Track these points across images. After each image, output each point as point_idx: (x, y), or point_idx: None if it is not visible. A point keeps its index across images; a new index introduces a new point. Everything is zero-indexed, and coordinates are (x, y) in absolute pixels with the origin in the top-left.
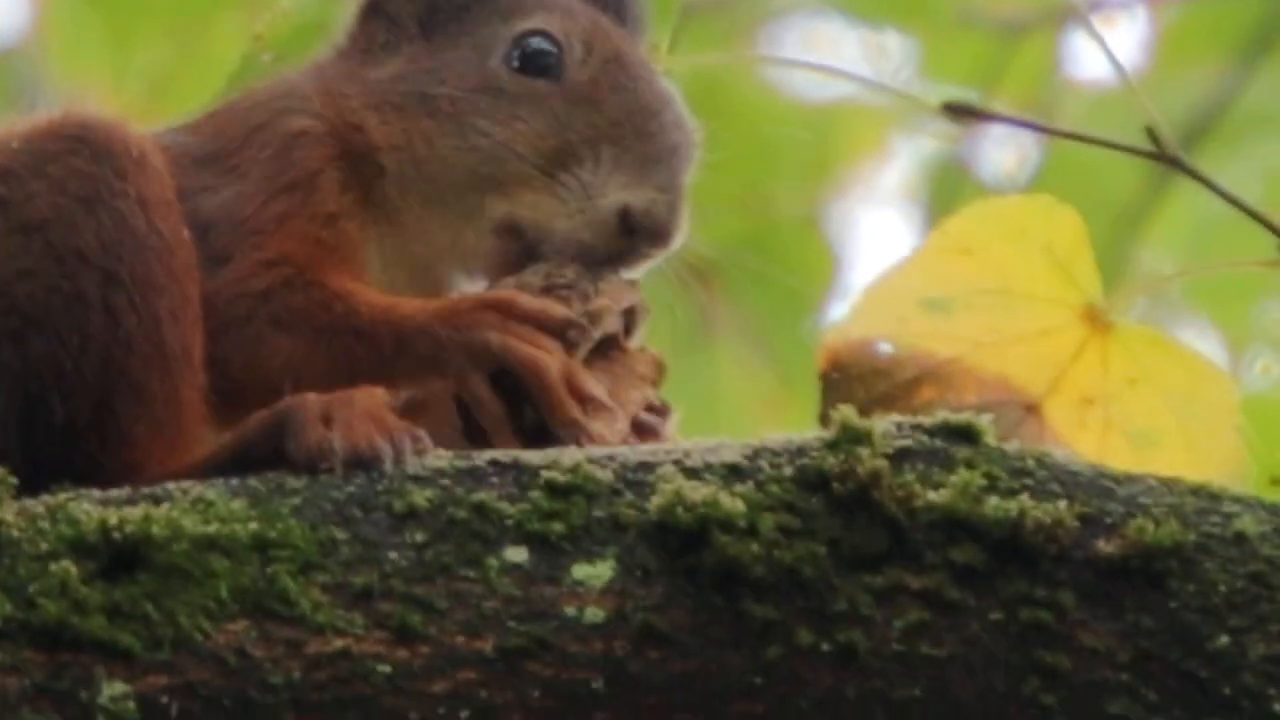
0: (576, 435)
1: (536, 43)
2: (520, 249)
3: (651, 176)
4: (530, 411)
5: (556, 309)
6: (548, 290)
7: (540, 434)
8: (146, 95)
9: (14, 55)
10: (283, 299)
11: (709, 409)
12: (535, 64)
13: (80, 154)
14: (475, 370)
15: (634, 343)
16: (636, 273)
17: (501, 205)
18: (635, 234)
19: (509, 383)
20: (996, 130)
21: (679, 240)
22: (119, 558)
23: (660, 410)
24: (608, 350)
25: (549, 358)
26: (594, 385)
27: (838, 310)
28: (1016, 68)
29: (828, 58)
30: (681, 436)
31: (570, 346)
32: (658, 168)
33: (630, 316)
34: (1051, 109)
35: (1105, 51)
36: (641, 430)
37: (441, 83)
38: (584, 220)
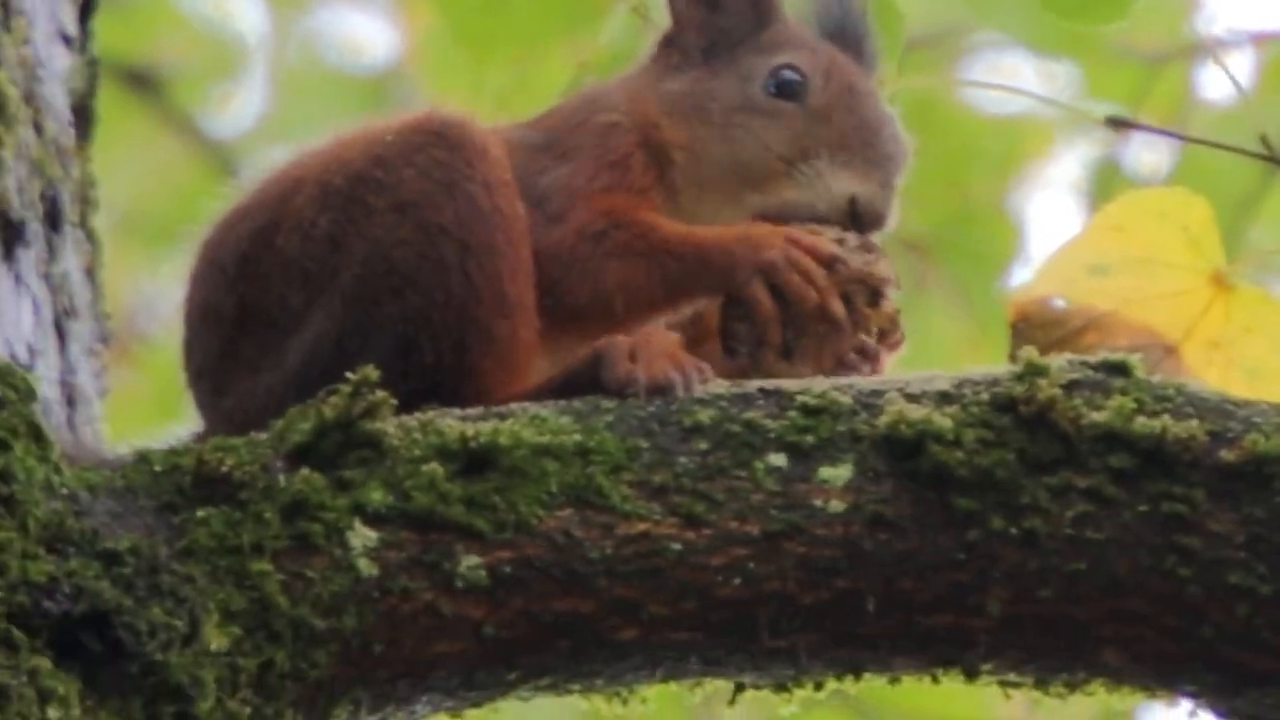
0: (822, 345)
1: (787, 74)
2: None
3: (873, 175)
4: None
5: (827, 245)
6: (839, 242)
7: (790, 352)
8: (495, 108)
9: (391, 75)
10: (613, 235)
11: (924, 349)
12: (785, 90)
13: (440, 146)
14: (758, 279)
15: (885, 308)
16: None
17: (755, 197)
18: (858, 218)
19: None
20: (1143, 137)
21: (891, 226)
22: (474, 460)
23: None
24: (861, 304)
25: (816, 282)
26: (839, 308)
27: (1023, 275)
28: (1159, 89)
29: (1012, 81)
30: (904, 369)
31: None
32: (877, 170)
33: (883, 285)
34: (1185, 121)
35: (1228, 76)
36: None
37: (715, 100)
38: (819, 198)
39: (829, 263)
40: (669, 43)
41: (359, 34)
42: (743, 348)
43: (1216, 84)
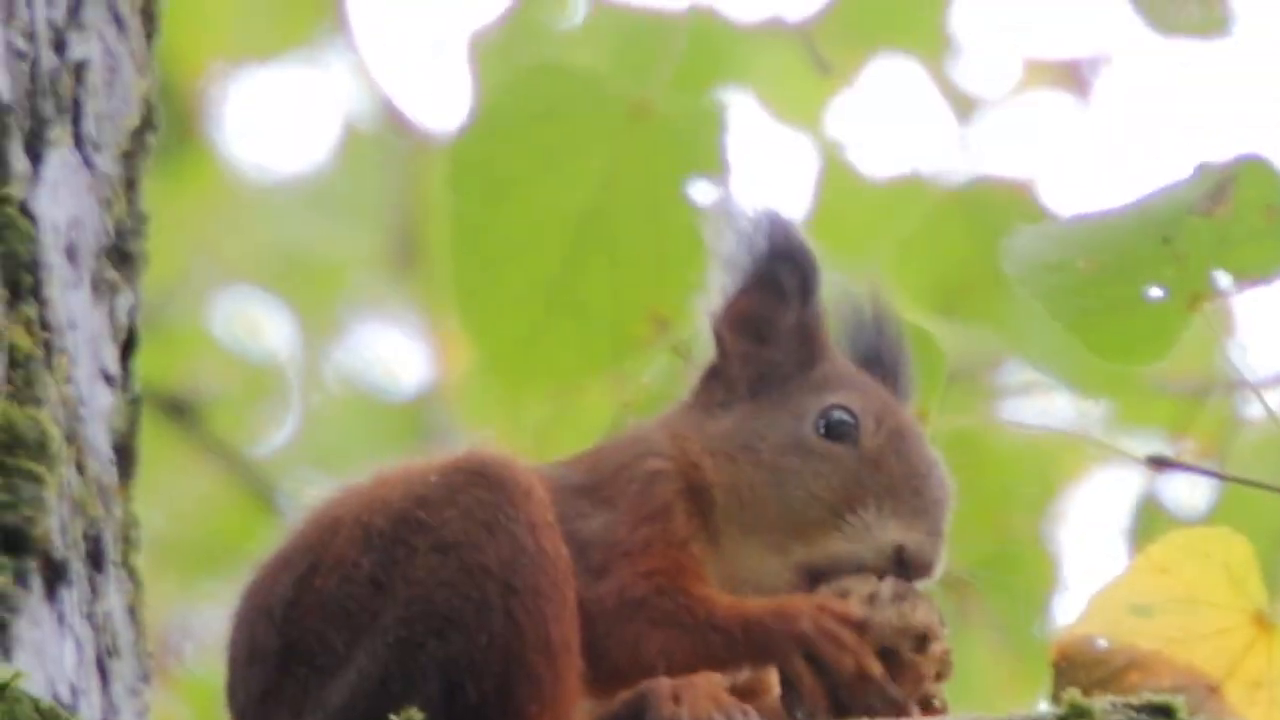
0: (877, 705)
1: (838, 415)
2: (812, 579)
3: (921, 523)
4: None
5: (856, 609)
6: (869, 598)
7: (847, 711)
8: (533, 442)
9: (425, 400)
10: (657, 604)
11: (964, 683)
12: (837, 432)
13: (482, 486)
14: (796, 653)
15: (934, 650)
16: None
17: (801, 548)
18: (906, 566)
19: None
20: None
21: (939, 572)
22: None
23: (938, 710)
24: (907, 652)
25: (849, 649)
26: (876, 668)
27: (1063, 611)
28: (1197, 423)
29: (1047, 412)
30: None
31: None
32: (925, 517)
33: (928, 632)
34: (1225, 454)
35: (1269, 411)
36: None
37: (763, 439)
38: (865, 549)
39: (860, 626)
40: (713, 376)
41: (393, 358)
42: (799, 713)
43: (1255, 415)
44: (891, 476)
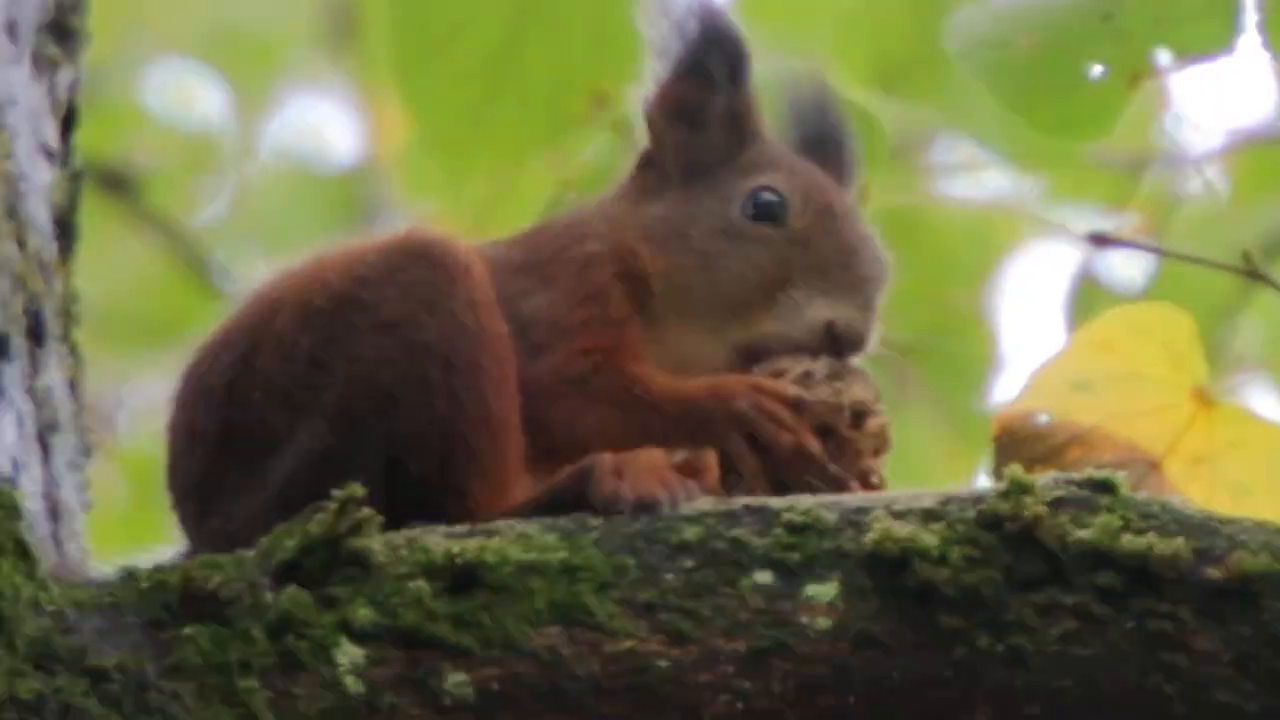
0: (816, 481)
1: (765, 196)
2: (747, 359)
3: (850, 298)
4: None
5: (791, 389)
6: (803, 376)
7: (787, 488)
8: (473, 221)
9: (359, 174)
10: (594, 381)
11: (903, 457)
12: (764, 213)
13: (422, 265)
14: (734, 432)
15: (871, 424)
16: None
17: (736, 329)
18: (837, 342)
19: (758, 443)
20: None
21: (870, 348)
22: (460, 578)
23: (876, 485)
24: (844, 429)
25: (787, 426)
26: (815, 445)
27: (1003, 387)
28: (1135, 197)
29: (985, 185)
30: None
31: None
32: (854, 292)
33: (864, 407)
34: (1164, 228)
35: (1207, 186)
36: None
37: (694, 224)
38: (796, 326)
39: (796, 405)
40: (648, 163)
41: (327, 131)
42: (739, 492)
43: (1192, 190)
44: (820, 255)
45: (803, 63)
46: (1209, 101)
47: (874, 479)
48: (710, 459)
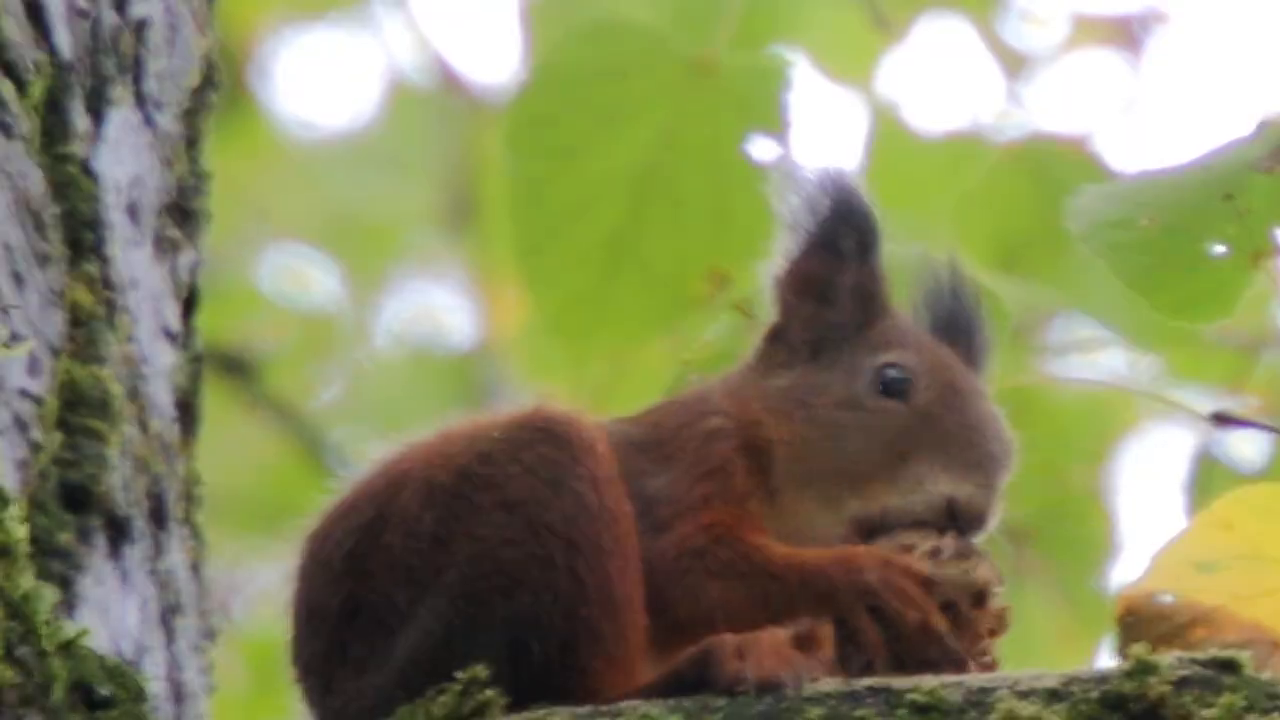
0: (935, 659)
1: (893, 373)
2: (864, 533)
3: (972, 476)
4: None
5: (921, 565)
6: (932, 552)
7: (903, 665)
8: (593, 400)
9: (475, 357)
10: (715, 553)
11: (1022, 638)
12: (890, 389)
13: (547, 442)
14: (860, 605)
15: (992, 607)
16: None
17: (855, 502)
18: (957, 519)
19: (884, 617)
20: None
21: (992, 526)
22: None
23: (990, 665)
24: (965, 608)
25: (916, 603)
26: (941, 623)
27: (1122, 570)
28: (1254, 377)
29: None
30: (1006, 663)
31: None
32: (977, 470)
33: (986, 588)
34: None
35: None
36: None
37: (820, 396)
38: (917, 500)
39: (926, 583)
40: (775, 338)
41: (443, 314)
42: (854, 667)
43: None
44: (943, 431)
45: (937, 244)
46: None
47: (987, 659)
48: (826, 631)
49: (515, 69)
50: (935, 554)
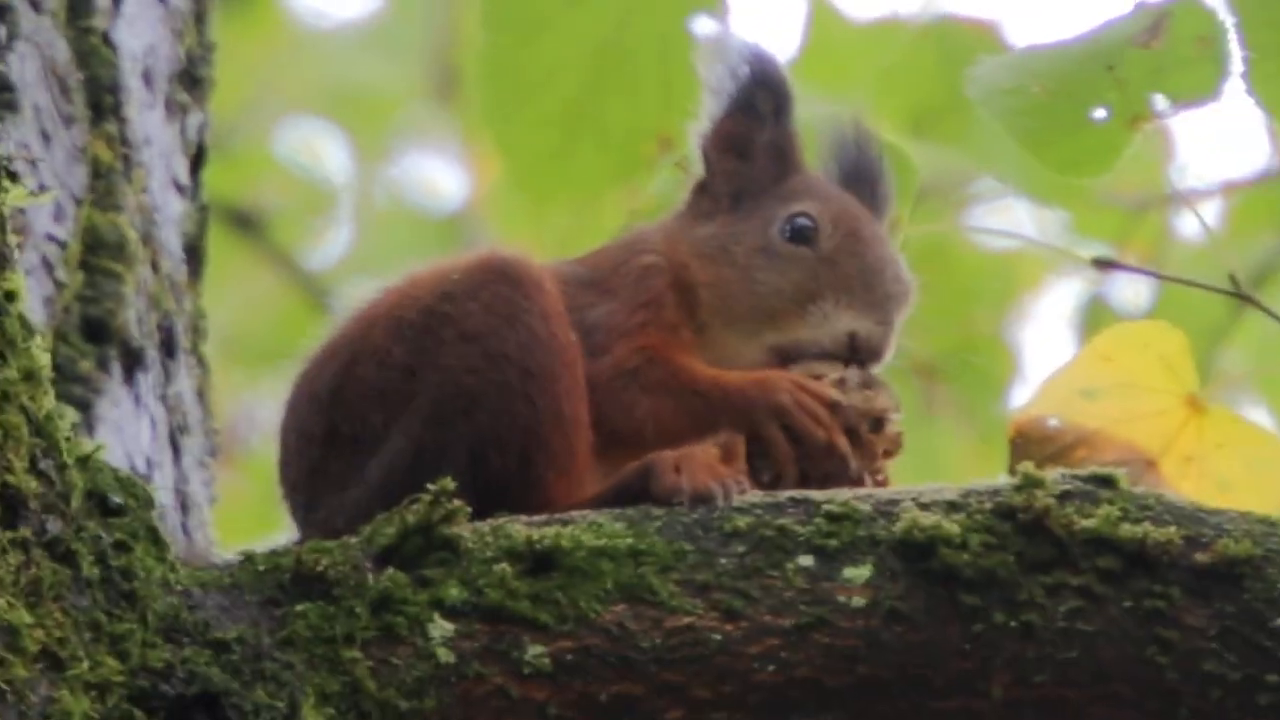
0: (836, 474)
1: (801, 221)
2: (780, 360)
3: (872, 314)
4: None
5: (830, 390)
6: (839, 382)
7: (806, 480)
8: (555, 250)
9: (462, 215)
10: (647, 372)
11: (933, 461)
12: (799, 236)
13: (501, 282)
14: (774, 422)
15: (888, 430)
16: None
17: (771, 334)
18: (858, 351)
19: (794, 434)
20: (1126, 275)
21: (888, 358)
22: (539, 561)
23: (882, 483)
24: (866, 431)
25: (823, 424)
26: (845, 444)
27: (1021, 397)
28: (1139, 232)
29: (1009, 225)
30: (916, 480)
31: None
32: (876, 309)
33: (885, 414)
34: (1163, 260)
35: (1200, 221)
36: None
37: (739, 243)
38: (823, 334)
39: (832, 406)
40: (701, 190)
41: (434, 178)
42: (764, 477)
43: (1190, 226)
44: (846, 273)
45: (844, 107)
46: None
47: (881, 477)
48: (740, 445)
49: None
50: (841, 383)
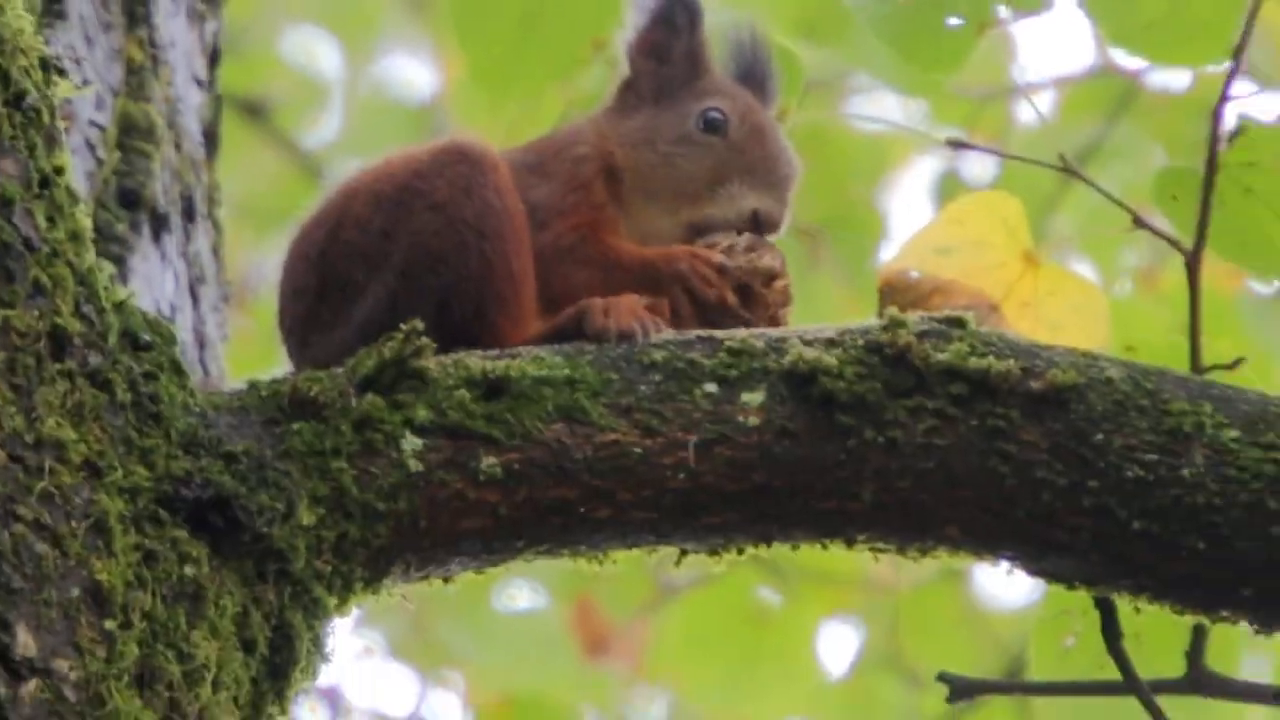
0: (727, 324)
1: (713, 114)
2: (694, 234)
3: (771, 193)
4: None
5: (716, 255)
6: (728, 248)
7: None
8: (508, 134)
9: (434, 105)
10: (580, 249)
11: (815, 308)
12: (711, 127)
13: (462, 162)
14: (676, 286)
15: (778, 285)
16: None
17: (687, 210)
18: (760, 225)
19: (692, 295)
20: (975, 154)
21: (785, 228)
22: (492, 388)
23: (777, 321)
24: (759, 287)
25: (713, 284)
26: (731, 298)
27: (887, 254)
28: (986, 119)
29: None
30: (802, 323)
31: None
32: (775, 189)
33: (773, 272)
34: (1006, 141)
35: (1035, 110)
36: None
37: (659, 134)
38: (730, 211)
39: (720, 269)
40: (627, 88)
41: (410, 75)
42: (680, 329)
43: (1028, 114)
44: (750, 159)
45: (742, 17)
46: (1042, 50)
47: (780, 323)
48: (664, 305)
49: None
50: (731, 249)
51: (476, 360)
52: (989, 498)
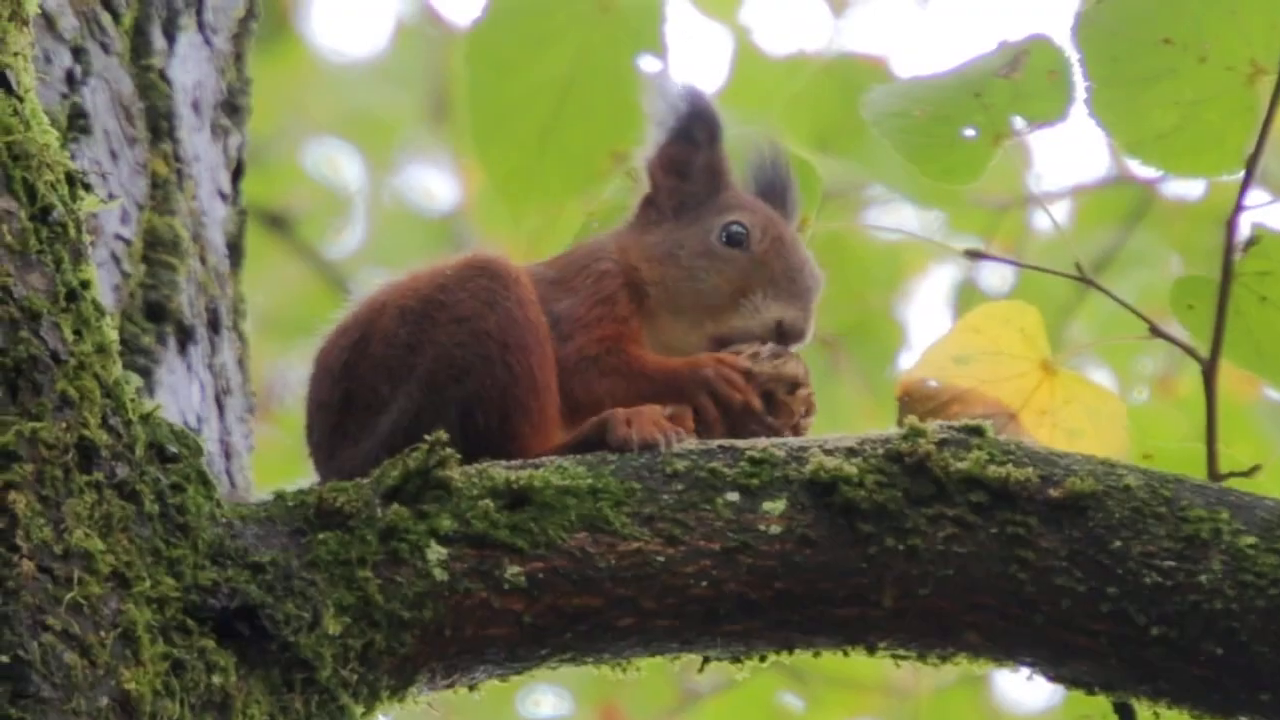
0: (753, 430)
1: (735, 228)
2: (718, 346)
3: (795, 304)
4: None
5: (742, 361)
6: (753, 355)
7: (735, 432)
8: (528, 245)
9: (453, 217)
10: (605, 360)
11: (835, 416)
12: (733, 241)
13: (485, 276)
14: (702, 392)
15: (801, 393)
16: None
17: (711, 323)
18: (784, 336)
19: (718, 400)
20: (992, 264)
21: (809, 339)
22: (516, 497)
23: (800, 429)
24: (782, 395)
25: (739, 389)
26: (757, 403)
27: (906, 363)
28: (1003, 228)
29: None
30: (822, 431)
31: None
32: (798, 300)
33: (796, 380)
34: (1022, 251)
35: (1051, 220)
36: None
37: (682, 248)
38: (755, 323)
39: (746, 374)
40: (648, 204)
41: (431, 187)
42: (705, 437)
43: (1044, 223)
44: (773, 271)
45: (761, 131)
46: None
47: (803, 432)
48: (687, 413)
49: (477, 8)
50: (755, 356)
51: (500, 470)
52: (1008, 604)
